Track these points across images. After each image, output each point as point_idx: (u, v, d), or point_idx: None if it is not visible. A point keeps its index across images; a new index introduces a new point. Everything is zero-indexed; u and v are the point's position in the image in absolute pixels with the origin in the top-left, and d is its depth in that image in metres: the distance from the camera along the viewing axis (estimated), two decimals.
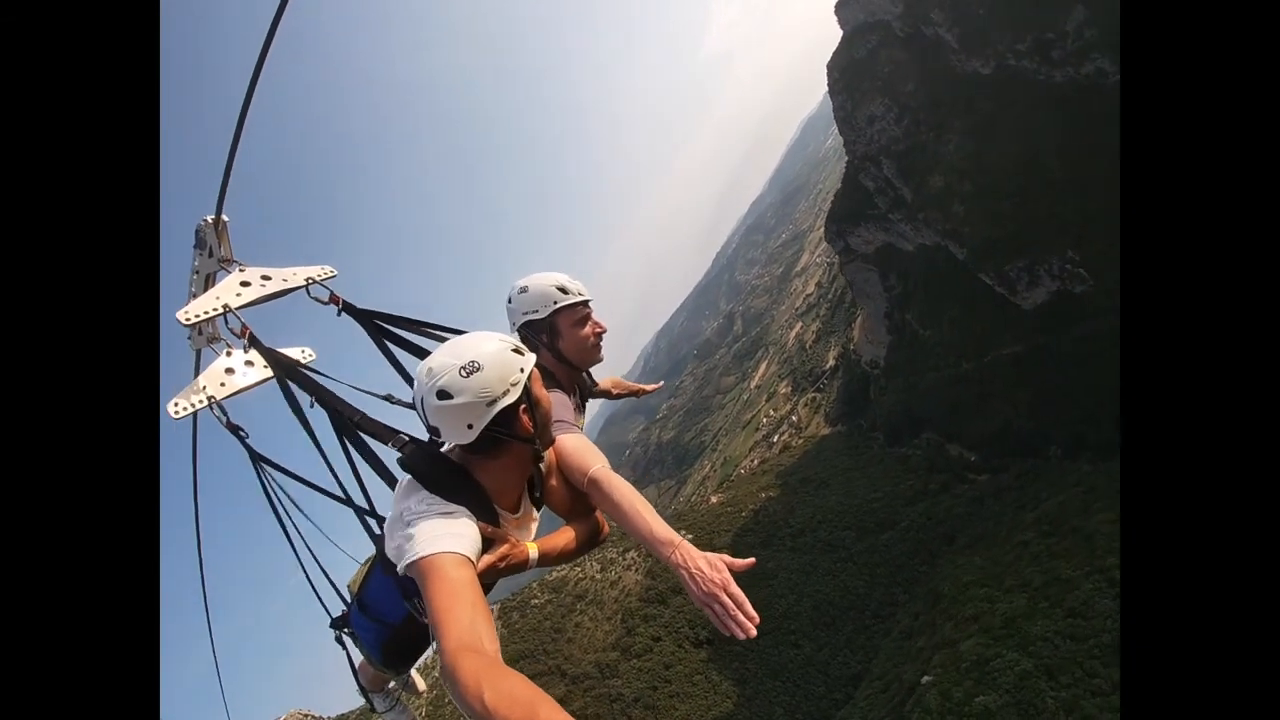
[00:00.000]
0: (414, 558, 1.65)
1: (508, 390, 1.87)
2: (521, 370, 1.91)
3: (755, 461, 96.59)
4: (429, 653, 2.31)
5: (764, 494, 72.54)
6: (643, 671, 53.11)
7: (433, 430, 1.92)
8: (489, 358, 1.86)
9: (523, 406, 1.93)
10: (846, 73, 68.87)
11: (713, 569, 1.69)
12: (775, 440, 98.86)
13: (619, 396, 3.41)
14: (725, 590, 1.66)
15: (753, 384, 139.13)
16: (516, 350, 1.93)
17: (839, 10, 71.00)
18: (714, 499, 79.25)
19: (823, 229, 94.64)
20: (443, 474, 1.91)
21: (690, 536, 69.66)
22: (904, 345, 70.08)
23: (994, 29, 55.39)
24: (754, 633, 1.62)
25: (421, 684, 3.28)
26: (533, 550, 2.04)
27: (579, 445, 2.25)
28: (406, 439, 2.08)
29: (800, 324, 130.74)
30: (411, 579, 1.70)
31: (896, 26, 64.78)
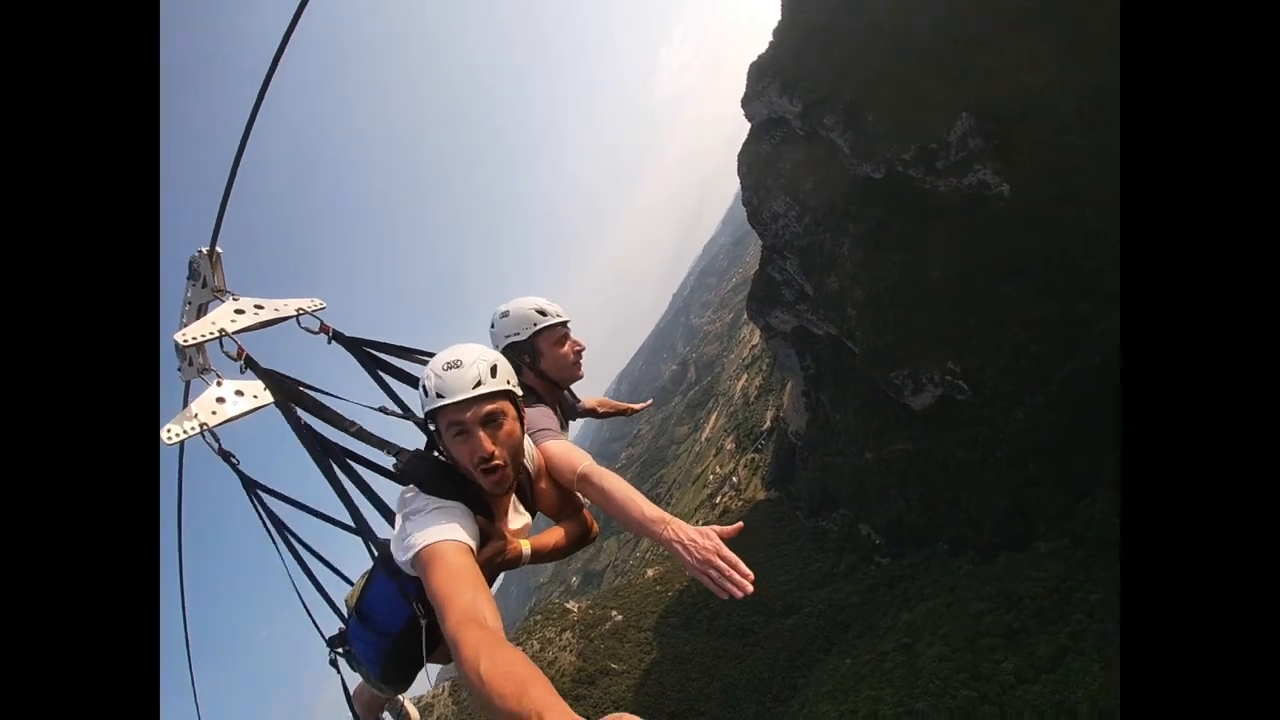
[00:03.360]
0: (416, 549, 1.69)
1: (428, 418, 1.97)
2: (437, 400, 1.90)
3: (699, 522, 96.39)
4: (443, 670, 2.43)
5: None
6: None
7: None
8: (431, 377, 1.95)
9: (441, 446, 1.98)
10: (754, 167, 71.09)
11: (704, 538, 1.75)
12: (718, 501, 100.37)
13: (606, 415, 3.47)
14: (718, 554, 1.71)
15: (703, 436, 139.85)
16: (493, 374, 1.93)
17: (745, 104, 73.08)
18: (649, 572, 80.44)
19: None
20: (438, 476, 1.97)
21: (619, 617, 70.77)
22: (819, 424, 71.98)
23: (880, 137, 56.83)
24: (750, 589, 1.66)
25: (414, 714, 3.37)
26: (526, 546, 2.11)
27: (564, 448, 2.31)
28: (401, 450, 2.11)
29: (745, 376, 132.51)
30: (415, 579, 1.77)
31: (796, 125, 66.46)
